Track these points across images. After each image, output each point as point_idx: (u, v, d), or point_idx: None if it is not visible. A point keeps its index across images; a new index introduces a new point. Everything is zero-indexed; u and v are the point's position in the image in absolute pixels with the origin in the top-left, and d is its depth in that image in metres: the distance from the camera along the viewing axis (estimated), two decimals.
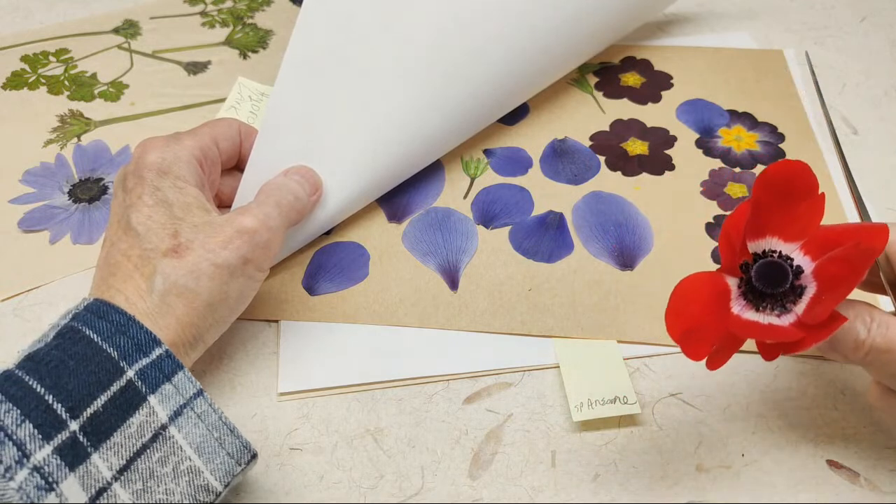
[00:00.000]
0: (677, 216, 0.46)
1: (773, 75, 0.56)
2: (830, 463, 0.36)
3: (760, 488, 0.35)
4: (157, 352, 0.31)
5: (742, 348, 0.39)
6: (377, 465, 0.36)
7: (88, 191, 0.48)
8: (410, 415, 0.38)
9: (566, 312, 0.41)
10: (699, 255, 0.44)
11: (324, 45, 0.42)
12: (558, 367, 0.39)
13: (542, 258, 0.44)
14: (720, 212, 0.47)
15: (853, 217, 0.46)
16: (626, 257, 0.44)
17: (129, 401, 0.30)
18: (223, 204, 0.42)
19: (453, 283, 0.43)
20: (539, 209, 0.47)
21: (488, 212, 0.47)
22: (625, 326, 0.41)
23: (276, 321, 0.41)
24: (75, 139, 0.52)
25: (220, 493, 0.31)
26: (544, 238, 0.45)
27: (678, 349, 0.39)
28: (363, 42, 0.43)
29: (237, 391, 0.39)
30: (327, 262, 0.44)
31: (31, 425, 0.28)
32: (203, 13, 0.63)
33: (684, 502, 0.35)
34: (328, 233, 0.45)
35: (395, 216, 0.46)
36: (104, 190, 0.48)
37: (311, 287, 0.43)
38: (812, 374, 0.39)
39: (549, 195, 0.48)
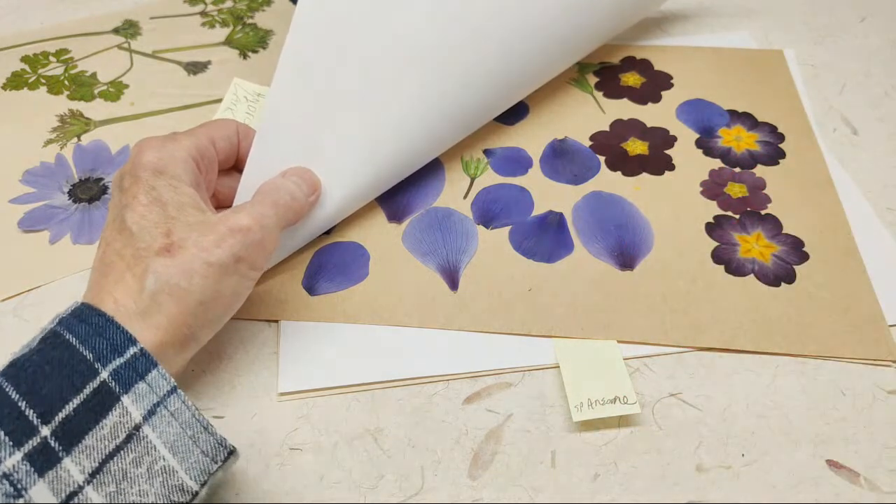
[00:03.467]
0: (677, 216, 0.46)
1: (773, 75, 0.56)
2: (830, 463, 0.36)
3: (760, 488, 0.35)
4: (132, 350, 0.31)
5: (742, 348, 0.40)
6: (377, 465, 0.36)
7: (88, 191, 0.48)
8: (410, 415, 0.38)
9: (566, 312, 0.41)
10: (699, 255, 0.44)
11: (321, 44, 0.42)
12: (558, 367, 0.39)
13: (542, 258, 0.44)
14: (720, 212, 0.46)
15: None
16: (626, 257, 0.44)
17: (102, 402, 0.29)
18: (221, 205, 0.42)
19: (453, 283, 0.43)
20: (539, 209, 0.47)
21: (488, 212, 0.46)
22: (625, 326, 0.41)
23: (276, 321, 0.41)
24: (75, 139, 0.52)
25: (197, 492, 0.30)
26: (544, 238, 0.45)
27: (678, 349, 0.40)
28: (360, 40, 0.43)
29: (237, 391, 0.39)
30: (327, 262, 0.44)
31: (1, 432, 0.28)
32: (203, 13, 0.63)
33: (684, 502, 0.35)
34: (328, 233, 0.45)
35: (395, 216, 0.46)
36: (104, 190, 0.48)
37: (311, 287, 0.43)
38: (812, 375, 0.39)
39: (549, 195, 0.48)
